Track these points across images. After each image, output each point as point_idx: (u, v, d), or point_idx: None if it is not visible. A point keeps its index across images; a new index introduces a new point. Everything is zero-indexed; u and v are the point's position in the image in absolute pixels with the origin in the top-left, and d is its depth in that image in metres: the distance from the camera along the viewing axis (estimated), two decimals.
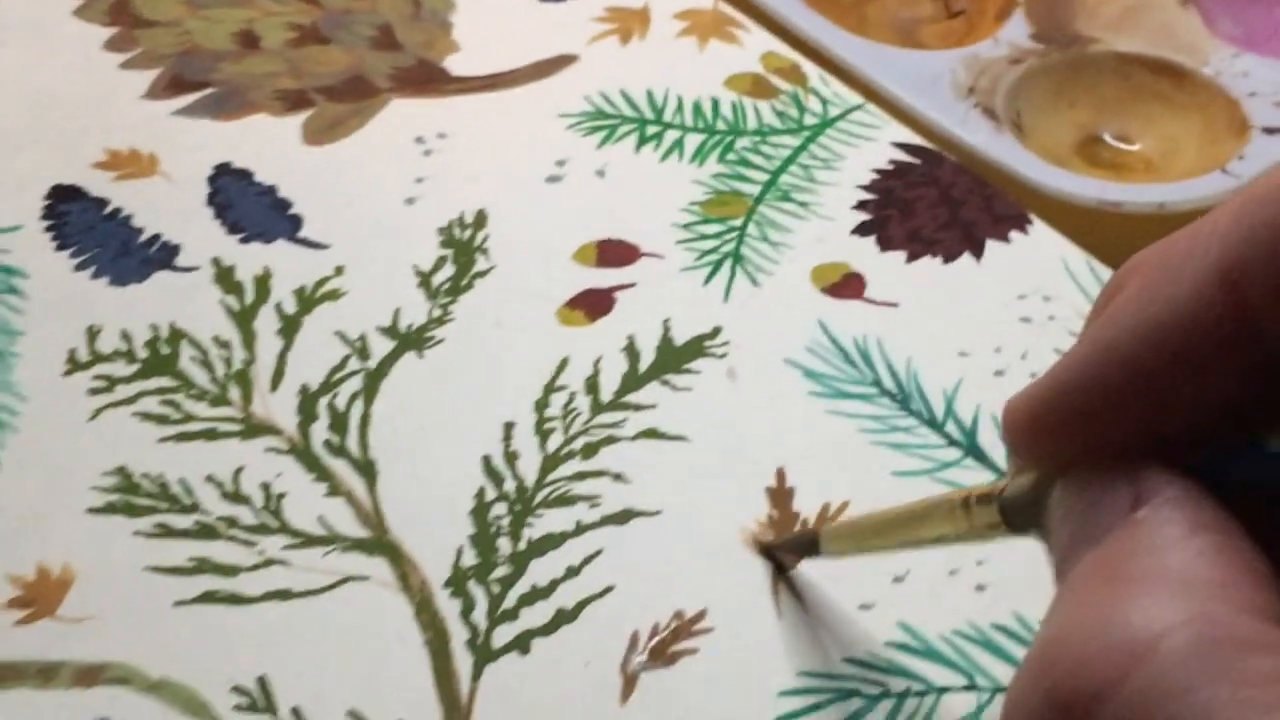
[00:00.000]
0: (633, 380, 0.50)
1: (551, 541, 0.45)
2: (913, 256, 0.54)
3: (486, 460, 0.48)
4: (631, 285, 0.53)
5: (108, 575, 0.45)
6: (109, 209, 0.57)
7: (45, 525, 0.46)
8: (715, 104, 0.61)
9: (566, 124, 0.60)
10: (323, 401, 0.49)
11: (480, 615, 0.44)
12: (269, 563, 0.45)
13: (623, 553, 0.45)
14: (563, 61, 0.64)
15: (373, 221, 0.56)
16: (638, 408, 0.49)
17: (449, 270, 0.54)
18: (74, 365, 0.51)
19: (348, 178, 0.58)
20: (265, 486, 0.47)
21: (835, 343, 0.51)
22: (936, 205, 0.56)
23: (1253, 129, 0.60)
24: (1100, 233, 0.56)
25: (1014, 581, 0.44)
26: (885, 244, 0.55)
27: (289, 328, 0.52)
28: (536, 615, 0.44)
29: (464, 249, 0.55)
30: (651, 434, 0.49)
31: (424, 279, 0.54)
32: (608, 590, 0.44)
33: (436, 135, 0.60)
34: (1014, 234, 0.55)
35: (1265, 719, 0.19)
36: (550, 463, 0.48)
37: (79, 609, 0.44)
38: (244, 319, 0.52)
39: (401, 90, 0.62)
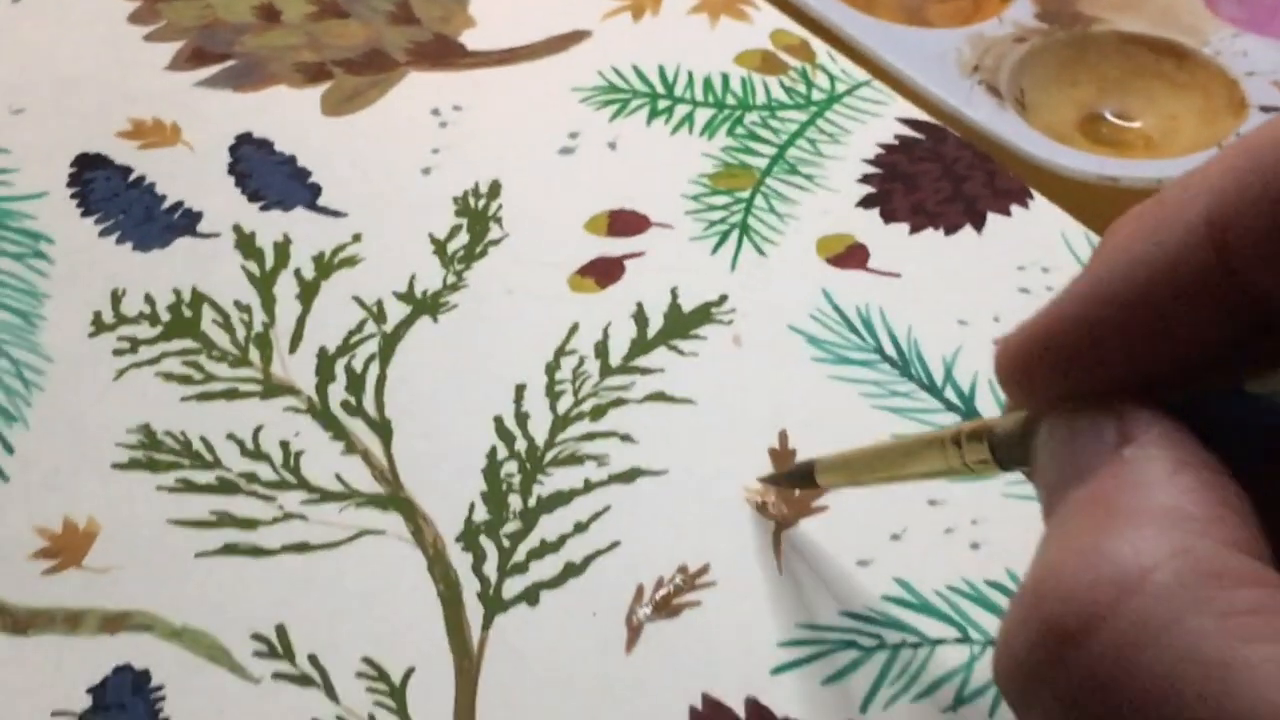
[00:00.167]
0: (641, 345, 0.51)
1: (560, 498, 0.47)
2: (915, 229, 0.55)
3: (498, 420, 0.49)
4: (641, 254, 0.55)
5: (132, 528, 0.46)
6: (133, 177, 0.58)
7: (72, 480, 0.47)
8: (725, 79, 0.62)
9: (579, 97, 0.62)
10: (340, 363, 0.51)
11: (491, 568, 0.45)
12: (287, 517, 0.46)
13: (629, 510, 0.46)
14: (576, 37, 0.65)
15: (390, 190, 0.57)
16: (646, 371, 0.50)
17: (463, 238, 0.55)
18: (99, 327, 0.52)
19: (365, 148, 0.59)
20: (284, 444, 0.48)
21: (838, 311, 0.52)
22: (939, 179, 0.57)
23: (1250, 108, 0.61)
24: (1099, 207, 0.56)
25: (1008, 540, 0.45)
26: (889, 216, 0.56)
27: (307, 292, 0.53)
28: (545, 569, 0.45)
29: (478, 218, 0.56)
30: (659, 397, 0.50)
31: (439, 246, 0.55)
32: (614, 545, 0.45)
33: (452, 107, 0.61)
34: (1015, 208, 0.56)
35: (1247, 648, 0.20)
36: (560, 423, 0.49)
37: (104, 560, 0.45)
38: (264, 284, 0.53)
39: (418, 64, 0.63)
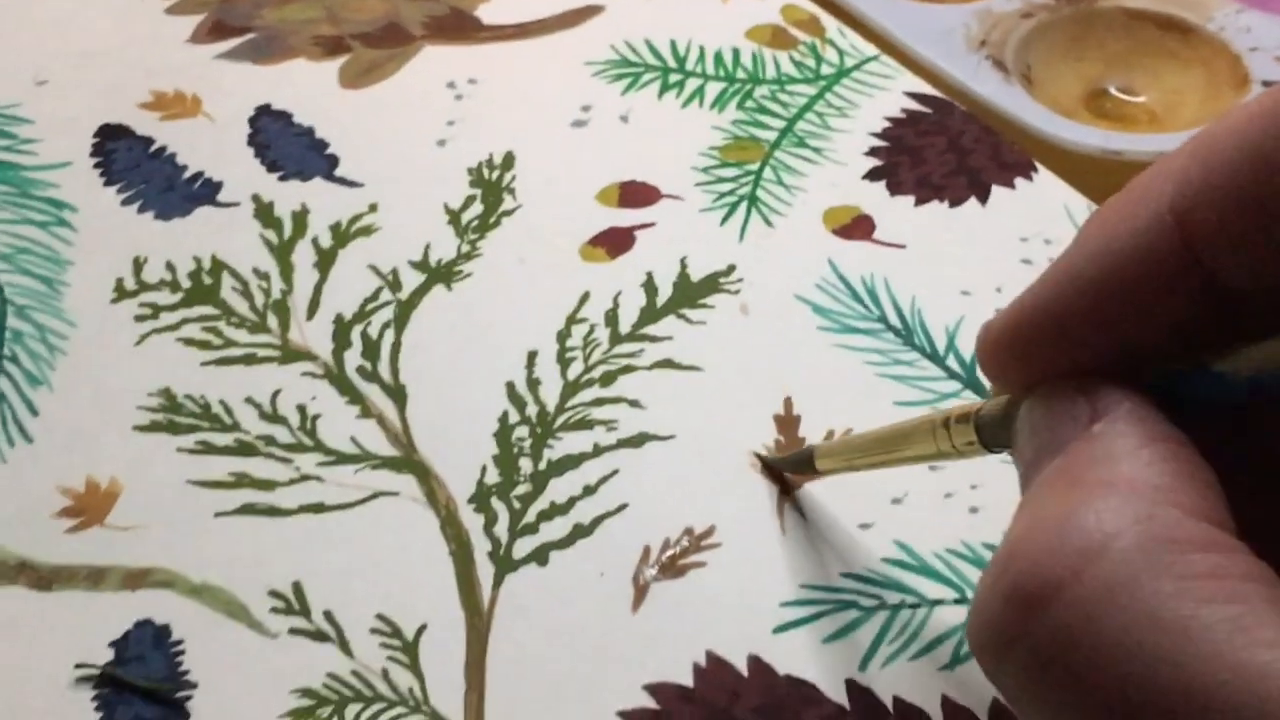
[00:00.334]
0: (650, 313, 0.52)
1: (570, 462, 0.48)
2: (920, 201, 0.56)
3: (510, 386, 0.50)
4: (651, 225, 0.55)
5: (153, 488, 0.47)
6: (154, 147, 0.59)
7: (94, 442, 0.48)
8: (736, 54, 0.63)
9: (592, 71, 0.62)
10: (356, 330, 0.52)
11: (502, 529, 0.46)
12: (304, 478, 0.47)
13: (637, 473, 0.47)
14: (590, 11, 0.66)
15: (405, 161, 0.58)
16: (654, 339, 0.51)
17: (477, 209, 0.56)
18: (121, 293, 0.53)
19: (382, 120, 0.60)
20: (301, 408, 0.49)
21: (844, 280, 0.53)
22: (945, 152, 0.58)
23: (1253, 83, 0.62)
24: (1102, 180, 0.57)
25: (1005, 504, 0.45)
26: (895, 188, 0.57)
27: (325, 261, 0.54)
28: (555, 530, 0.46)
29: (492, 189, 0.57)
30: (667, 364, 0.51)
31: (454, 216, 0.56)
32: (622, 507, 0.46)
33: (467, 80, 0.62)
34: (1019, 181, 0.57)
35: (1203, 609, 0.21)
36: (570, 389, 0.50)
37: (126, 519, 0.46)
38: (282, 252, 0.54)
39: (435, 37, 0.64)
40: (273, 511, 0.46)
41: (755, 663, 0.43)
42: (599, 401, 0.49)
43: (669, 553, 0.45)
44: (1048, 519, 0.24)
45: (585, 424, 0.49)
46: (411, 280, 0.53)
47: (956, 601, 0.44)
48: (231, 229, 0.55)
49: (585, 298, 0.53)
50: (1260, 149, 0.24)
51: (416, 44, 0.64)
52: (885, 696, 0.42)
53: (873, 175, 0.57)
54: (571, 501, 0.47)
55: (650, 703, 0.42)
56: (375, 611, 0.44)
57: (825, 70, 0.62)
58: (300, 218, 0.56)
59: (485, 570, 0.45)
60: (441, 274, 0.54)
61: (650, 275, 0.53)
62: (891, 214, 0.56)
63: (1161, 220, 0.25)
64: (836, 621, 0.44)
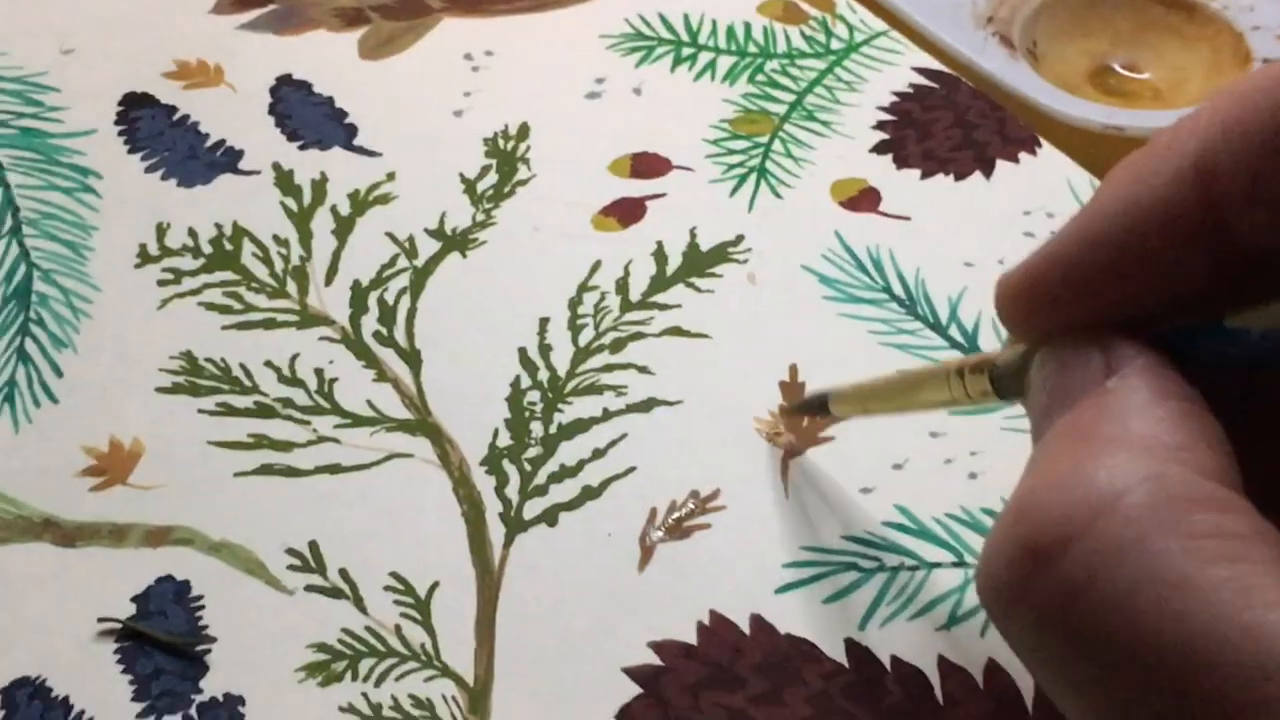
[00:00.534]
0: (660, 282, 0.53)
1: (580, 426, 0.49)
2: (926, 174, 0.57)
3: (522, 352, 0.51)
4: (662, 195, 0.56)
5: (174, 448, 0.48)
6: (177, 116, 0.60)
7: (117, 403, 0.50)
8: (748, 28, 0.64)
9: (606, 44, 0.63)
10: (373, 296, 0.53)
11: (513, 491, 0.47)
12: (321, 440, 0.49)
13: (645, 437, 0.49)
14: None
15: (423, 131, 0.59)
16: (664, 307, 0.52)
17: (492, 178, 0.57)
18: (144, 259, 0.54)
19: (400, 91, 0.61)
20: (319, 372, 0.50)
21: (850, 251, 0.54)
22: (951, 127, 0.59)
23: (1255, 61, 0.62)
24: (1105, 155, 0.58)
25: (1005, 470, 0.47)
26: (901, 162, 0.58)
27: (343, 228, 0.55)
28: (564, 491, 0.47)
29: (507, 159, 0.58)
30: (676, 331, 0.52)
31: (469, 185, 0.57)
32: (630, 470, 0.48)
33: (484, 53, 0.63)
34: (1023, 155, 0.58)
35: (1207, 569, 0.21)
36: (581, 355, 0.51)
37: (148, 478, 0.48)
38: (301, 219, 0.56)
39: (452, 10, 0.65)
40: (290, 472, 0.48)
41: (757, 621, 0.44)
42: (609, 367, 0.50)
43: (675, 515, 0.46)
44: (1057, 474, 0.24)
45: (595, 389, 0.50)
46: (427, 248, 0.54)
47: (954, 565, 0.45)
48: (252, 196, 0.57)
49: (597, 266, 0.54)
50: None
51: (435, 16, 0.64)
52: (883, 655, 0.43)
53: (880, 149, 0.58)
54: (581, 464, 0.48)
55: (655, 659, 0.43)
56: (389, 569, 0.45)
57: (835, 45, 0.63)
58: (319, 186, 0.57)
59: (496, 530, 0.46)
60: (457, 242, 0.55)
61: (660, 244, 0.54)
62: (897, 187, 0.57)
63: (1183, 176, 0.25)
64: (837, 583, 0.45)
